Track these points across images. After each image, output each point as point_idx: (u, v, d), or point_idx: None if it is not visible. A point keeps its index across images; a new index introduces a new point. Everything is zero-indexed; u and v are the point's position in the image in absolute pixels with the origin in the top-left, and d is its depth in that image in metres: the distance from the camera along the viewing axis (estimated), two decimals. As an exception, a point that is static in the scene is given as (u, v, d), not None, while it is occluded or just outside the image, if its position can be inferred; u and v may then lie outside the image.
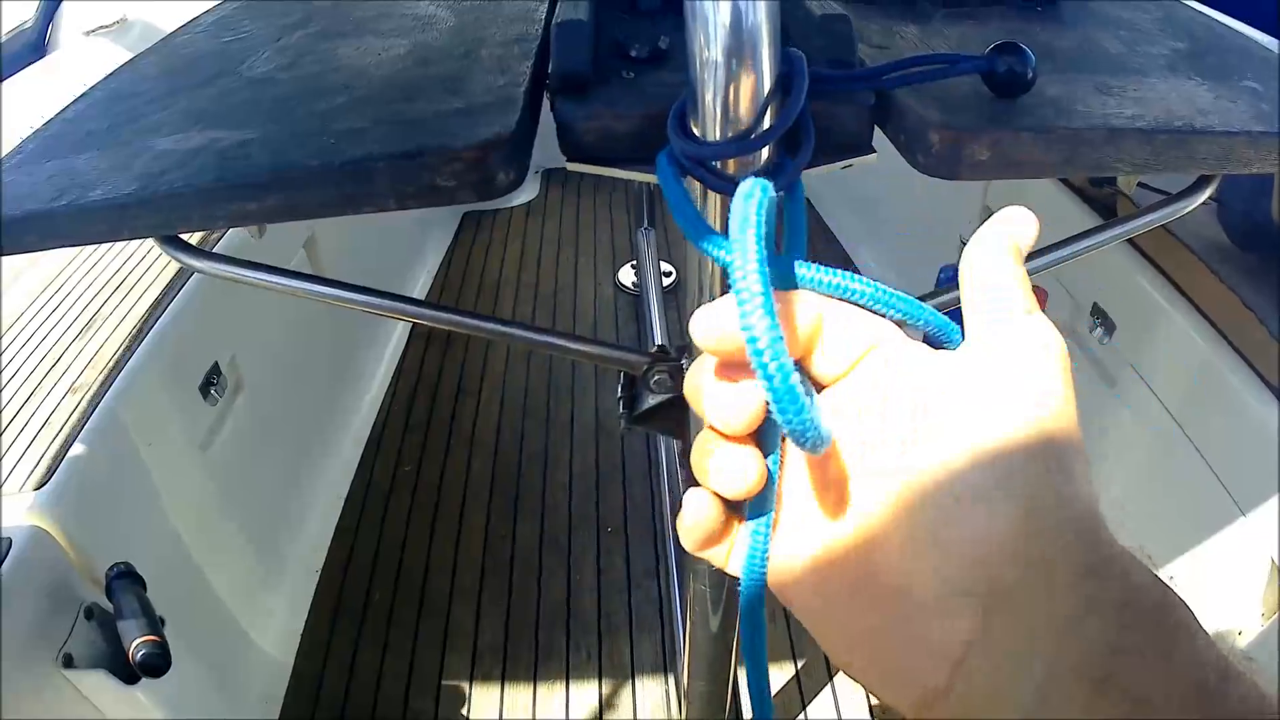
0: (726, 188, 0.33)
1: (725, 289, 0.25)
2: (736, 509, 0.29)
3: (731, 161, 0.37)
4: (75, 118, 0.64)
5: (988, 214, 0.29)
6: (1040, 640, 0.22)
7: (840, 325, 0.27)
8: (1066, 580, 0.22)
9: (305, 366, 1.68)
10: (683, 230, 0.32)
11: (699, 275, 0.53)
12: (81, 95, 0.69)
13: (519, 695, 1.39)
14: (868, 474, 0.26)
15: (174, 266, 1.26)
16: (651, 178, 0.45)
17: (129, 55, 0.76)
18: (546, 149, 0.51)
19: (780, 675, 1.40)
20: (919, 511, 0.24)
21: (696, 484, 0.28)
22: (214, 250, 1.20)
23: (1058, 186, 1.48)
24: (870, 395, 0.26)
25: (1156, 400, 1.24)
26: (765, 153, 0.37)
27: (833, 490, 0.27)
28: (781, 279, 0.27)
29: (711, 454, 0.27)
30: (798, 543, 0.28)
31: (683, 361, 0.63)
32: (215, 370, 1.30)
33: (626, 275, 2.39)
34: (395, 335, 2.17)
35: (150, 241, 0.58)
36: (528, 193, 2.82)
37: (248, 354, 1.40)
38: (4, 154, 0.61)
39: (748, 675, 0.35)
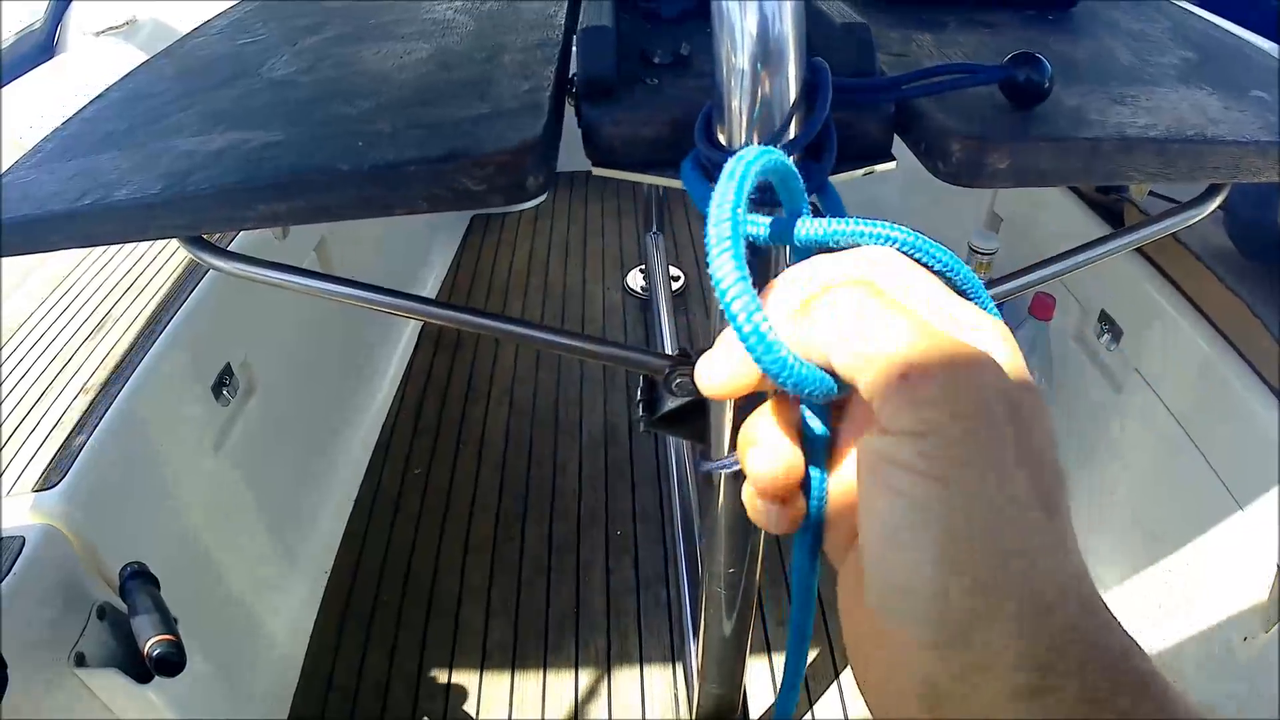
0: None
1: None
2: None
3: (757, 168, 0.37)
4: (94, 117, 0.64)
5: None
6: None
7: None
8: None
9: (316, 368, 1.68)
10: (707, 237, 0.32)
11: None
12: (98, 96, 0.69)
13: (528, 696, 1.39)
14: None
15: (185, 267, 1.26)
16: (673, 183, 0.45)
17: (138, 56, 0.76)
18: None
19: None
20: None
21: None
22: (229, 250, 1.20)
23: (1064, 192, 1.48)
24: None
25: (1163, 406, 1.24)
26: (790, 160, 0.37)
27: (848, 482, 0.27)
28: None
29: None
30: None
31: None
32: (228, 371, 1.31)
33: (635, 280, 2.39)
34: (404, 338, 2.17)
35: (161, 241, 0.58)
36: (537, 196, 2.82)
37: (260, 355, 1.41)
38: (23, 154, 0.61)
39: (793, 611, 0.34)
